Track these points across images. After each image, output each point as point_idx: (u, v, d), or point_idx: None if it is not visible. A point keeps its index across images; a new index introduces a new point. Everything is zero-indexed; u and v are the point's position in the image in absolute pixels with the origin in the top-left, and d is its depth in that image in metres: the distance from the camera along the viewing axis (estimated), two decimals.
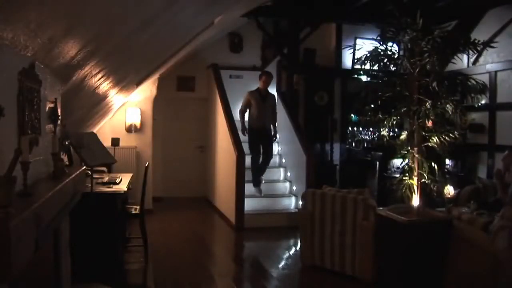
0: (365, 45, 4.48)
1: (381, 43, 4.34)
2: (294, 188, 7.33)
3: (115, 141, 6.78)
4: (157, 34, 3.92)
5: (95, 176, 4.57)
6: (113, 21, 2.79)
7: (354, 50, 5.31)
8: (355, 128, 8.88)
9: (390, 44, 4.34)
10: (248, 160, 6.78)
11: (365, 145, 8.68)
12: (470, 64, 7.56)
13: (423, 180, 4.11)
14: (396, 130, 5.02)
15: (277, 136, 7.40)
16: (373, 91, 4.44)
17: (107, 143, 6.37)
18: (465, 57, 7.31)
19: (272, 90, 8.71)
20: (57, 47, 2.37)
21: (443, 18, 6.22)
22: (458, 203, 5.54)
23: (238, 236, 6.35)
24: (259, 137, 6.90)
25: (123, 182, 4.76)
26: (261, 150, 6.91)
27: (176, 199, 8.60)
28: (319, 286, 4.56)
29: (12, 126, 1.99)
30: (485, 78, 6.98)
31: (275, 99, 7.23)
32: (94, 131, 6.03)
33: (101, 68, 3.57)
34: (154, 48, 4.69)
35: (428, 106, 4.04)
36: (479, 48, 4.30)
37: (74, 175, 2.81)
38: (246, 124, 6.96)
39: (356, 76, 8.52)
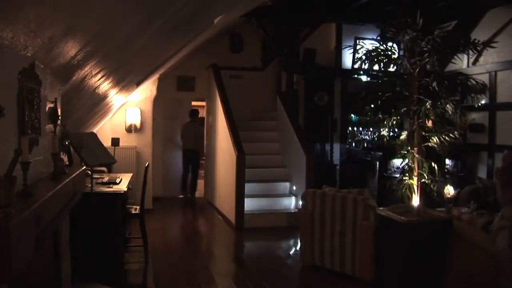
0: (365, 45, 4.48)
1: (381, 43, 4.34)
2: (294, 188, 7.32)
3: (115, 141, 6.78)
4: (157, 34, 3.92)
5: (95, 176, 4.57)
6: (113, 21, 2.79)
7: (354, 50, 5.31)
8: (355, 128, 8.88)
9: (390, 44, 4.34)
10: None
11: (365, 145, 8.68)
12: (470, 64, 7.55)
13: (423, 180, 4.11)
14: (396, 130, 5.02)
15: None
16: (373, 91, 4.43)
17: (107, 143, 6.37)
18: (465, 57, 7.32)
19: (272, 90, 8.77)
20: (57, 47, 2.37)
21: (443, 18, 6.22)
22: (458, 203, 5.54)
23: (238, 236, 6.35)
24: None
25: (123, 182, 4.76)
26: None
27: (176, 199, 8.60)
28: (319, 286, 4.56)
29: (12, 126, 1.98)
30: (485, 78, 6.99)
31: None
32: (94, 131, 6.02)
33: (101, 68, 3.57)
34: (154, 48, 4.69)
35: (428, 106, 4.04)
36: (479, 48, 4.29)
37: (74, 175, 2.81)
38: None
39: (356, 76, 8.51)
